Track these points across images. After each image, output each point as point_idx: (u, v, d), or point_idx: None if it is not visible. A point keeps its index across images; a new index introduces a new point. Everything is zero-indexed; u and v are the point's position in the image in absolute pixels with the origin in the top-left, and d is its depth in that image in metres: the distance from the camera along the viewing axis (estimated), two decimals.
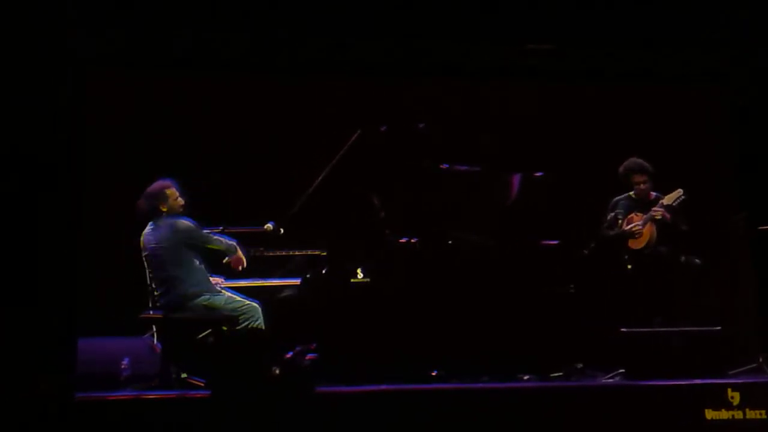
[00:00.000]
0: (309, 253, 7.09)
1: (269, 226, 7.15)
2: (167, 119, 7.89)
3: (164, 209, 6.80)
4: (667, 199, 7.24)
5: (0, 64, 6.01)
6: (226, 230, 7.04)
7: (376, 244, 7.07)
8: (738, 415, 6.03)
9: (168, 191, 6.82)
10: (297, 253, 7.11)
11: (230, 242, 6.85)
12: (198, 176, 7.47)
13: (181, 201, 6.85)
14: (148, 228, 6.83)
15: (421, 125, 7.22)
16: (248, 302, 6.75)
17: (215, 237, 6.82)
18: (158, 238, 6.77)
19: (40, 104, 6.00)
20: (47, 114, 6.00)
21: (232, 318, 6.67)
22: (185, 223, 6.77)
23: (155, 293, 6.76)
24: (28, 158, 5.95)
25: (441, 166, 7.21)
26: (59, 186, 5.96)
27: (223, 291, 6.82)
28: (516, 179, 7.30)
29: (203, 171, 7.66)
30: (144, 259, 6.81)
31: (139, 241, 6.84)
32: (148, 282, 6.86)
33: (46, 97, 6.02)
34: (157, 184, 6.85)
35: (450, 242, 7.09)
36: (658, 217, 7.18)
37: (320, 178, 7.10)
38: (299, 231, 7.13)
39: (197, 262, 6.76)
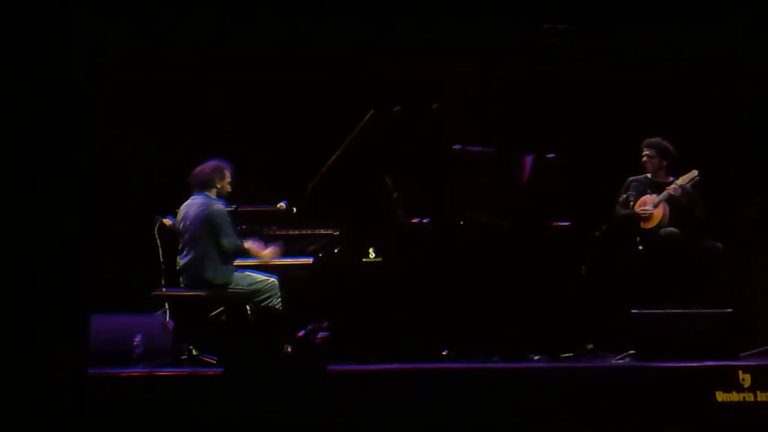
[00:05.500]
0: (322, 232, 7.10)
1: (282, 205, 7.19)
2: (180, 101, 7.90)
3: (218, 185, 6.93)
4: (682, 180, 7.23)
5: (11, 55, 6.02)
6: (239, 209, 7.07)
7: (389, 225, 7.08)
8: (749, 397, 6.04)
9: (226, 171, 6.97)
10: (310, 232, 7.12)
11: (243, 247, 6.86)
12: (212, 155, 7.48)
13: (229, 187, 6.98)
14: (190, 200, 6.94)
15: (434, 106, 7.23)
16: (270, 279, 6.82)
17: (232, 238, 6.82)
18: (196, 212, 6.86)
19: (52, 92, 6.02)
20: (61, 100, 6.03)
21: (255, 298, 6.76)
22: (219, 206, 6.86)
23: (180, 262, 6.85)
24: (41, 138, 5.98)
25: (453, 147, 7.22)
26: (72, 166, 5.99)
27: (248, 273, 6.87)
28: (528, 160, 7.30)
29: (217, 150, 7.66)
30: (180, 228, 6.92)
31: (176, 212, 7.00)
32: (161, 259, 6.94)
33: (58, 85, 6.04)
34: (217, 162, 6.98)
35: (462, 223, 7.09)
36: (676, 194, 7.17)
37: (333, 158, 7.12)
38: (312, 210, 7.15)
39: (216, 249, 6.80)
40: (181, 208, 6.97)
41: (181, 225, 6.93)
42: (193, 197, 6.95)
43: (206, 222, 6.80)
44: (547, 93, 7.98)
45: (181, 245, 6.90)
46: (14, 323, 5.76)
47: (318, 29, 6.52)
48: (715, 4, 6.63)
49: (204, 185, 6.93)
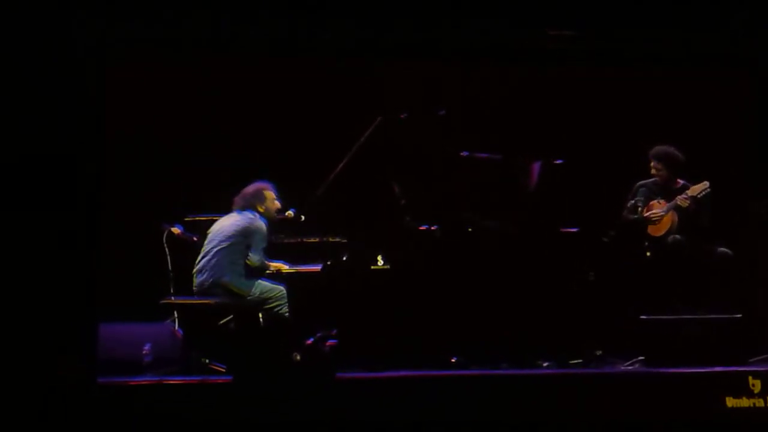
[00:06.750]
0: (330, 239, 7.10)
1: (290, 212, 7.21)
2: (188, 107, 7.91)
3: (261, 210, 6.98)
4: (692, 191, 7.21)
5: (19, 58, 6.04)
6: None
7: (397, 231, 7.08)
8: (759, 402, 6.02)
9: (266, 192, 7.02)
10: (318, 239, 7.13)
11: (265, 264, 6.92)
12: (218, 163, 7.50)
13: (278, 204, 7.04)
14: (228, 215, 6.99)
15: (441, 112, 7.23)
16: (279, 288, 6.85)
17: (262, 257, 6.89)
18: (233, 221, 6.92)
19: (60, 95, 6.04)
20: (68, 103, 6.05)
21: (265, 306, 6.78)
22: (262, 225, 6.91)
23: (198, 263, 6.88)
24: (51, 146, 6.00)
25: (461, 154, 7.22)
26: (80, 173, 6.01)
27: (258, 281, 6.88)
28: (536, 166, 7.30)
29: (225, 157, 7.68)
30: (207, 234, 6.97)
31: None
32: (170, 268, 6.95)
33: (60, 87, 6.06)
34: (256, 185, 7.03)
35: (470, 229, 7.09)
36: (684, 206, 7.16)
37: (341, 165, 7.12)
38: (320, 218, 7.16)
39: (243, 261, 6.85)
40: (217, 222, 7.01)
41: (209, 234, 6.97)
42: (233, 213, 6.98)
43: (244, 234, 6.86)
44: (549, 95, 7.97)
45: (206, 247, 6.91)
46: (23, 332, 5.78)
47: (318, 29, 6.53)
48: (716, 5, 6.62)
49: (246, 205, 6.99)
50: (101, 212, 6.09)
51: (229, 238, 6.88)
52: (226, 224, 6.95)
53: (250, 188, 7.04)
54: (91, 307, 5.96)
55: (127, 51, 6.70)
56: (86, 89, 6.09)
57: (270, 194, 7.04)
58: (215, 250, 6.87)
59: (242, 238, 6.86)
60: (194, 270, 6.92)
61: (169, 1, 6.36)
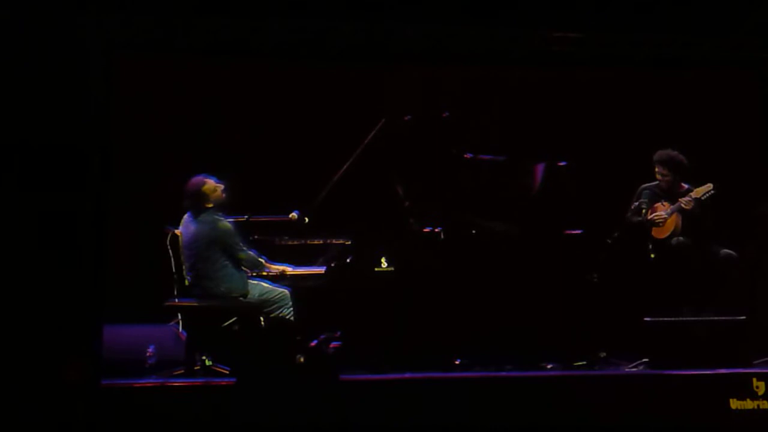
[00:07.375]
0: (334, 242, 7.10)
1: (294, 215, 7.19)
2: (194, 107, 7.90)
3: (209, 205, 6.86)
4: (696, 193, 7.21)
5: (21, 58, 6.05)
6: (251, 219, 7.07)
7: (401, 233, 7.08)
8: (763, 404, 6.04)
9: (204, 188, 6.87)
10: (322, 242, 7.13)
11: (259, 260, 6.89)
12: (224, 164, 7.49)
13: (220, 187, 6.90)
14: (187, 217, 6.90)
15: (445, 114, 7.24)
16: (280, 290, 6.82)
17: (247, 251, 6.85)
18: (196, 231, 6.83)
19: (70, 91, 6.05)
20: (77, 101, 6.06)
21: (265, 308, 6.76)
22: (225, 225, 6.83)
23: (186, 281, 6.84)
24: (57, 146, 6.01)
25: (465, 156, 7.22)
26: (87, 174, 6.02)
27: (259, 282, 6.86)
28: (540, 168, 7.30)
29: (229, 159, 7.67)
30: (181, 246, 6.90)
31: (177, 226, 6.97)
32: (174, 270, 6.95)
33: (75, 83, 6.07)
34: (192, 184, 6.88)
35: (474, 231, 7.10)
36: (688, 208, 7.16)
37: (345, 167, 7.12)
38: (324, 220, 7.16)
39: (229, 262, 6.81)
40: (181, 229, 6.94)
41: (181, 243, 6.90)
42: (189, 216, 6.90)
43: (216, 242, 6.78)
44: (553, 97, 7.97)
45: (187, 263, 6.86)
46: (28, 333, 5.79)
47: (319, 30, 6.54)
48: (722, 8, 6.63)
49: (195, 206, 6.88)
50: (106, 214, 6.09)
51: (202, 250, 6.78)
52: (192, 233, 6.83)
53: (188, 191, 6.86)
54: (95, 309, 5.97)
55: (130, 51, 6.71)
56: (91, 90, 6.10)
57: (208, 186, 6.88)
58: (198, 266, 6.79)
59: (214, 245, 6.77)
60: (186, 284, 6.88)
61: (171, 1, 6.37)
